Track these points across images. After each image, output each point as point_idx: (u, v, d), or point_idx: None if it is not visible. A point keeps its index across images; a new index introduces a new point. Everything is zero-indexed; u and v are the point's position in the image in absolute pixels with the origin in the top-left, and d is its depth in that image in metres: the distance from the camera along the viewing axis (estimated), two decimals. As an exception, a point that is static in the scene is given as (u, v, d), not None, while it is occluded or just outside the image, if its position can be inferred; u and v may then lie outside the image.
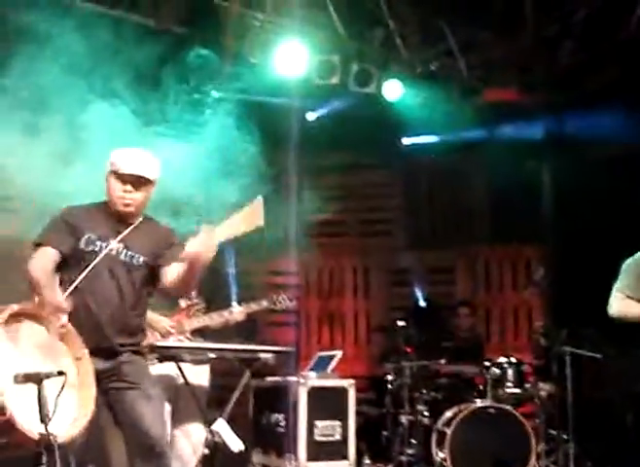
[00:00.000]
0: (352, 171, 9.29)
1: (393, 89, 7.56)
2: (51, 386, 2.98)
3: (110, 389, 3.48)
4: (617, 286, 4.26)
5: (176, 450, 4.77)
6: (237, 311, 5.12)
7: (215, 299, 5.24)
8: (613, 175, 6.65)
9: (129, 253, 3.56)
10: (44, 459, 2.93)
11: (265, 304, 5.29)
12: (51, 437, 2.86)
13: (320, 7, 6.91)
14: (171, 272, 3.56)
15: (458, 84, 7.78)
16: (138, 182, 3.55)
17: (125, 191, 3.54)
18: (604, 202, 6.73)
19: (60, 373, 3.00)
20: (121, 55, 6.13)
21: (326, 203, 9.26)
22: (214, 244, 3.34)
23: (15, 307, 3.13)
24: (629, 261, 4.32)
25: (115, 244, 3.53)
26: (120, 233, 3.56)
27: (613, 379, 6.47)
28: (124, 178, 3.53)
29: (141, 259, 3.58)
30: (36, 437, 2.92)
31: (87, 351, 3.28)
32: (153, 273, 3.64)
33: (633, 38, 6.87)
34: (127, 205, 3.56)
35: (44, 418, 2.88)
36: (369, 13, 7.07)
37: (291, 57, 6.95)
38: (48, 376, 2.95)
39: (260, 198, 3.38)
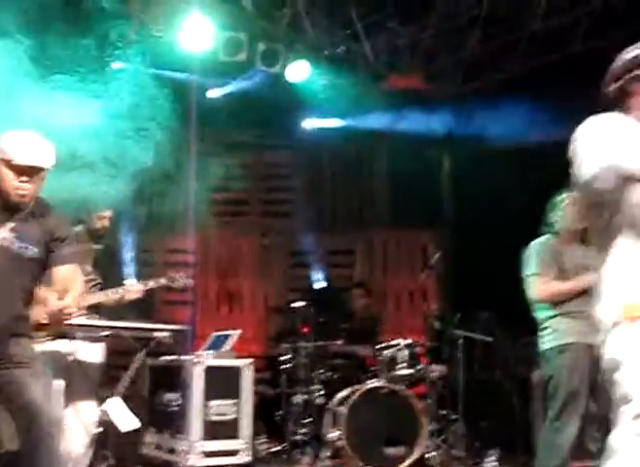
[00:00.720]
0: (256, 151, 9.25)
1: (299, 71, 7.55)
2: None
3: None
4: (530, 272, 4.35)
5: (68, 429, 4.66)
6: (133, 288, 5.03)
7: (111, 275, 5.13)
8: (511, 165, 6.85)
9: (22, 243, 3.42)
10: None
11: (162, 281, 5.20)
12: None
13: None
14: (58, 275, 3.51)
15: (364, 68, 7.84)
16: (34, 171, 3.39)
17: (21, 181, 3.37)
18: (501, 191, 6.93)
19: None
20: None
21: (228, 182, 9.19)
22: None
23: None
24: (532, 246, 4.43)
25: (6, 234, 3.38)
26: (10, 221, 3.40)
27: (501, 363, 6.72)
28: (18, 169, 3.36)
29: (35, 250, 3.45)
30: None
31: None
32: (46, 265, 3.55)
33: (538, 31, 7.06)
34: (23, 196, 3.40)
35: None
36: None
37: (197, 32, 6.84)
38: None
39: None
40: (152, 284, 5.14)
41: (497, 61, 7.75)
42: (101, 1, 6.49)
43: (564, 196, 4.42)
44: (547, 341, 4.35)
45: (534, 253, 4.41)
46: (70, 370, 4.72)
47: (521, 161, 6.89)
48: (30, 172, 3.38)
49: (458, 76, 8.17)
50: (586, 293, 4.06)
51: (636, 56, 2.56)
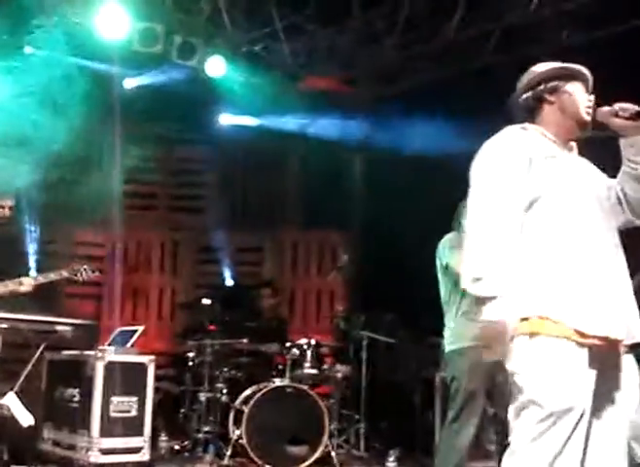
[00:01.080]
0: (169, 144, 9.14)
1: (216, 66, 7.49)
2: None
3: None
4: (453, 263, 4.37)
5: None
6: (27, 281, 4.88)
7: (11, 267, 4.98)
8: (420, 172, 6.98)
9: None
10: None
11: (64, 274, 5.08)
12: None
13: (147, -27, 6.73)
14: None
15: (281, 68, 7.86)
16: None
17: None
18: (410, 197, 7.06)
19: None
20: None
21: (139, 175, 9.05)
22: None
23: None
24: (446, 239, 4.48)
25: None
26: None
27: (404, 363, 6.85)
28: None
29: None
30: None
31: None
32: None
33: (452, 41, 7.22)
34: None
35: None
36: (197, -15, 6.97)
37: (113, 21, 6.71)
38: None
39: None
40: (53, 276, 5.01)
41: (413, 68, 7.90)
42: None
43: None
44: (448, 343, 4.44)
45: (446, 244, 4.47)
46: None
47: (430, 168, 7.04)
48: None
49: (374, 81, 8.28)
50: None
51: (552, 68, 2.67)
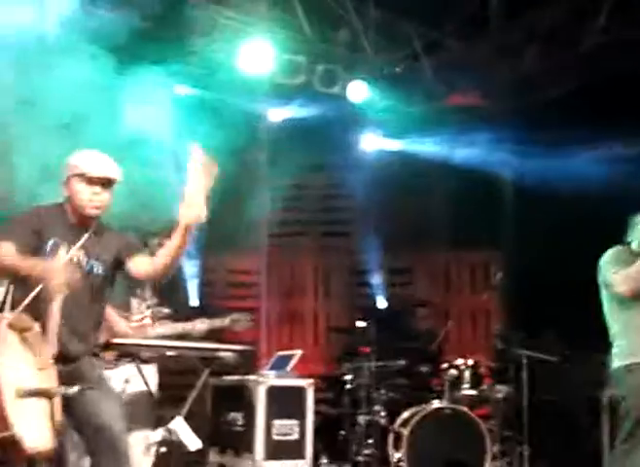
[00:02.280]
0: (314, 171, 9.31)
1: (358, 91, 7.58)
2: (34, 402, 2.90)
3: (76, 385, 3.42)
4: (611, 271, 4.23)
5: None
6: (199, 327, 5.16)
7: (171, 294, 5.22)
8: (572, 181, 6.75)
9: (90, 262, 3.52)
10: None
11: (226, 322, 5.32)
12: (45, 450, 2.78)
13: (287, 7, 6.92)
14: (141, 263, 3.58)
15: (422, 87, 7.84)
16: (106, 183, 3.52)
17: (95, 193, 3.50)
18: (564, 209, 6.83)
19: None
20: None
21: (287, 202, 9.28)
22: (201, 201, 3.45)
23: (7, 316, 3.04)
24: (609, 252, 4.33)
25: (76, 252, 3.46)
26: (79, 239, 3.49)
27: (567, 382, 6.58)
28: (92, 181, 3.48)
29: (100, 268, 3.54)
30: (31, 451, 2.84)
31: (52, 362, 3.17)
32: (113, 277, 3.64)
33: (595, 48, 6.98)
34: (97, 208, 3.53)
35: (55, 433, 2.78)
36: (335, 14, 7.09)
37: (256, 56, 6.94)
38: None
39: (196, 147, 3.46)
40: (217, 324, 5.25)
41: (556, 77, 7.67)
42: (161, 28, 6.65)
43: None
44: (617, 360, 4.24)
45: (610, 257, 4.30)
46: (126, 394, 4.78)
47: (580, 178, 6.80)
48: (103, 183, 3.51)
49: (517, 92, 8.10)
50: None
51: None
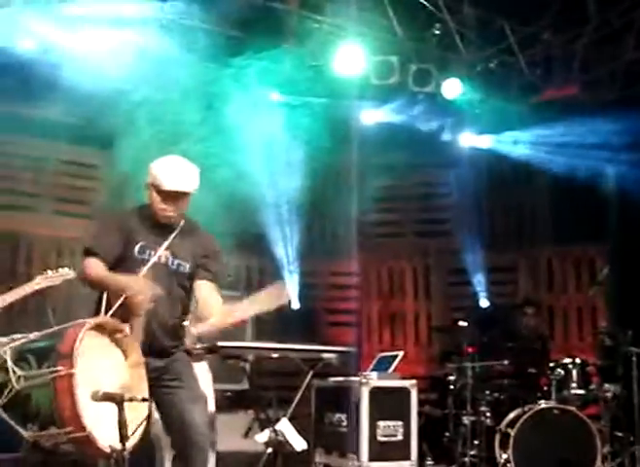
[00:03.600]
0: (410, 171, 9.28)
1: (452, 88, 7.52)
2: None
3: (161, 387, 3.54)
4: None
5: None
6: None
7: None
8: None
9: (176, 261, 3.64)
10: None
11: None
12: (122, 452, 2.89)
13: (378, 8, 6.92)
14: (203, 291, 3.66)
15: (517, 82, 7.71)
16: (178, 196, 3.61)
17: (167, 204, 3.60)
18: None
19: (144, 399, 3.09)
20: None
21: (384, 203, 9.29)
22: (233, 320, 3.56)
23: (95, 320, 3.20)
24: None
25: (162, 252, 3.60)
26: (165, 239, 3.62)
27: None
28: (165, 194, 3.59)
29: (187, 266, 3.66)
30: (108, 451, 2.96)
31: (143, 359, 3.32)
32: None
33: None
34: (169, 218, 3.64)
35: (123, 438, 2.88)
36: (426, 12, 7.04)
37: (349, 59, 6.98)
38: (131, 399, 2.98)
39: (283, 281, 3.54)
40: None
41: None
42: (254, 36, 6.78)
43: None
44: None
45: None
46: None
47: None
48: (175, 197, 3.60)
49: (615, 84, 7.86)
50: None
51: None
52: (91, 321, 3.17)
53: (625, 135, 7.63)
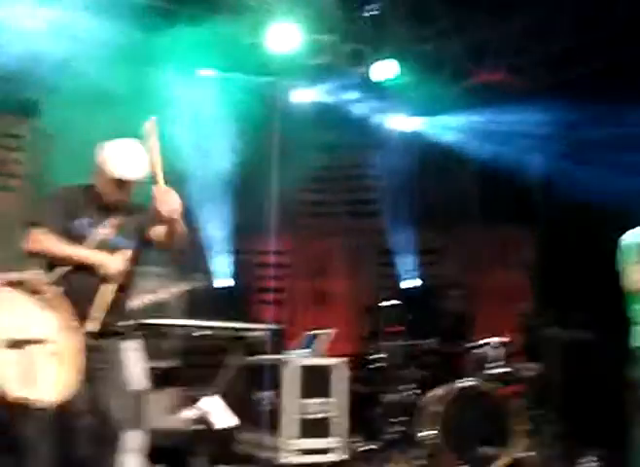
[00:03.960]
0: (340, 151, 9.29)
1: (385, 70, 7.54)
2: (35, 353, 3.05)
3: (93, 365, 3.48)
4: (626, 263, 4.20)
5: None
6: (174, 290, 5.16)
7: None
8: (606, 158, 6.70)
9: (117, 240, 3.63)
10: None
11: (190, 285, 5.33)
12: (31, 401, 2.90)
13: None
14: (156, 232, 3.67)
15: (451, 65, 7.78)
16: (126, 183, 3.61)
17: (114, 188, 3.61)
18: (594, 185, 6.77)
19: (40, 341, 3.10)
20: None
21: (316, 183, 9.29)
22: (166, 193, 3.48)
23: (15, 276, 3.21)
24: (630, 235, 4.27)
25: (107, 230, 3.60)
26: (109, 218, 3.62)
27: (598, 361, 6.56)
28: (113, 179, 3.58)
29: (129, 245, 3.64)
30: (13, 400, 2.97)
31: (76, 324, 3.32)
32: (141, 253, 3.73)
33: (623, 27, 6.88)
34: (116, 200, 3.64)
35: (27, 383, 2.90)
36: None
37: (283, 36, 6.92)
38: (29, 342, 3.02)
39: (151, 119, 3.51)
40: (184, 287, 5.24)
41: (587, 53, 7.57)
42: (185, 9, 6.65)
43: None
44: (637, 339, 4.22)
45: (628, 245, 4.26)
46: None
47: (615, 154, 6.74)
48: (123, 183, 3.61)
49: (546, 70, 8.00)
50: None
51: None
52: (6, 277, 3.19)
53: (552, 124, 7.79)
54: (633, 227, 4.34)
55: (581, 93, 7.22)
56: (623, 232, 4.37)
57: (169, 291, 5.15)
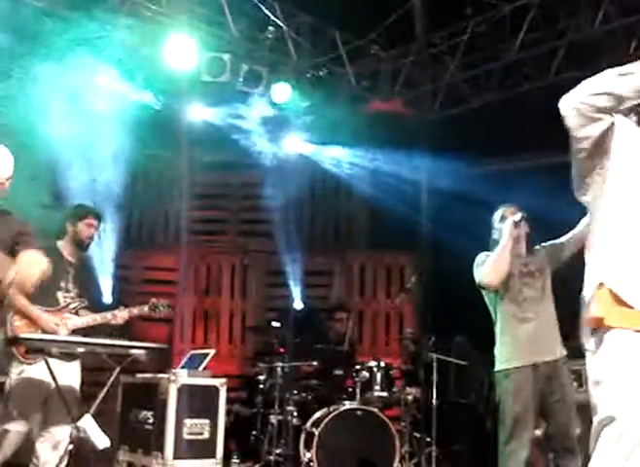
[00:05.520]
0: (235, 170, 9.29)
1: (281, 93, 7.61)
2: None
3: None
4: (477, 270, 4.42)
5: (39, 452, 4.67)
6: (120, 315, 5.06)
7: (87, 292, 5.13)
8: (491, 186, 6.94)
9: None
10: None
11: (145, 309, 5.23)
12: None
13: (213, 4, 6.88)
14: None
15: (345, 92, 7.93)
16: None
17: None
18: (477, 214, 7.00)
19: None
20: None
21: (208, 200, 9.24)
22: None
23: None
24: (483, 256, 4.49)
25: None
26: None
27: (475, 386, 6.76)
28: None
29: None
30: None
31: None
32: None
33: (515, 61, 7.21)
34: None
35: None
36: (262, 14, 7.09)
37: (181, 52, 6.87)
38: None
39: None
40: (135, 312, 5.16)
41: (477, 88, 7.88)
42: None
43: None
44: (496, 364, 4.41)
45: (480, 259, 4.48)
46: (49, 393, 4.69)
47: (500, 181, 7.00)
48: None
49: (437, 102, 8.27)
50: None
51: None
52: None
53: (443, 150, 8.02)
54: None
55: (471, 127, 7.50)
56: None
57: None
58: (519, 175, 7.17)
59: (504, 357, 4.33)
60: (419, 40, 7.47)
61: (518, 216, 4.40)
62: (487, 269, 4.32)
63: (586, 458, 2.37)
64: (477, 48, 7.32)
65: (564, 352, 4.35)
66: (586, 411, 2.44)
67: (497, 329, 4.42)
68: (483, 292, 4.48)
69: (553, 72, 7.21)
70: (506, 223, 4.43)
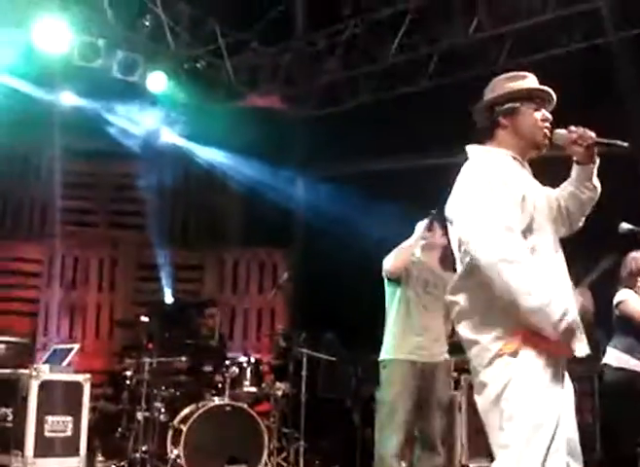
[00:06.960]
0: (107, 160, 9.03)
1: (157, 82, 7.46)
2: None
3: None
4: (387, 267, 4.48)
5: None
6: None
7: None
8: (361, 190, 7.06)
9: None
10: None
11: None
12: None
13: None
14: None
15: (223, 85, 7.86)
16: None
17: None
18: (350, 215, 7.12)
19: None
20: None
21: (77, 190, 8.94)
22: None
23: None
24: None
25: None
26: None
27: (344, 381, 6.87)
28: None
29: None
30: None
31: None
32: None
33: (393, 63, 7.36)
34: None
35: None
36: (140, 1, 6.93)
37: (52, 34, 6.61)
38: None
39: None
40: None
41: (354, 89, 7.99)
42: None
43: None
44: (381, 353, 4.52)
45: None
46: None
47: (372, 184, 7.13)
48: None
49: (316, 100, 8.34)
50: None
51: (510, 92, 2.64)
52: None
53: (319, 150, 8.10)
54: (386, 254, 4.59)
55: (347, 126, 7.61)
56: (377, 261, 4.61)
57: None
58: (394, 175, 7.35)
59: (390, 348, 4.43)
60: (299, 37, 7.50)
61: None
62: (390, 257, 4.41)
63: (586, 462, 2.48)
64: (356, 49, 7.43)
65: (447, 356, 4.49)
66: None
67: (389, 320, 4.49)
68: (385, 283, 4.53)
69: (427, 77, 7.41)
70: (419, 223, 4.52)
